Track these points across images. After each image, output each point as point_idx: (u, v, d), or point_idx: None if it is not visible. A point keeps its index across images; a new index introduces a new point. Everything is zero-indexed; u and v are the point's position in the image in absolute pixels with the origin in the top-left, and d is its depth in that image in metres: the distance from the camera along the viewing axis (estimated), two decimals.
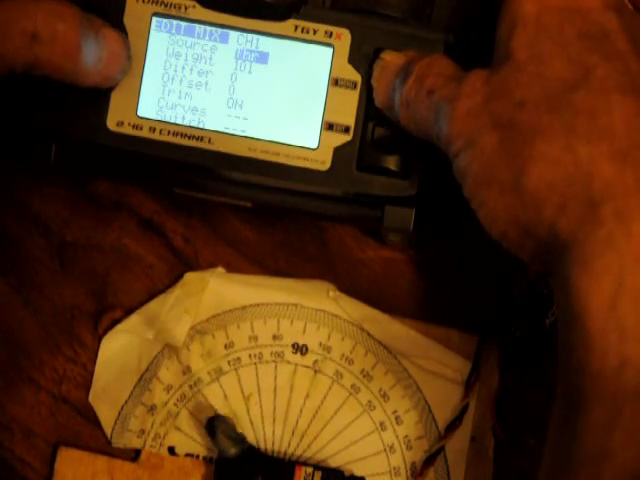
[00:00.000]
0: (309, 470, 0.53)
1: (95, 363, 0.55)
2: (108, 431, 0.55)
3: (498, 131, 0.43)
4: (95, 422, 0.55)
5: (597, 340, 0.39)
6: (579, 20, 0.43)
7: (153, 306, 0.55)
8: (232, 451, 0.53)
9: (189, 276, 0.56)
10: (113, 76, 0.49)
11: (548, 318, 0.52)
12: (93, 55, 0.47)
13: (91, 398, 0.55)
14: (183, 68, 0.50)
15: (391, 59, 0.48)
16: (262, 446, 0.54)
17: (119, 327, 0.55)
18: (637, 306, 0.39)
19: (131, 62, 0.50)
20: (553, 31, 0.43)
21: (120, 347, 0.55)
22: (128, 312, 0.55)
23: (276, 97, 0.50)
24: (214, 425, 0.53)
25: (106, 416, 0.55)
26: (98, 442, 0.55)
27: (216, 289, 0.56)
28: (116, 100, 0.50)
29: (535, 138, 0.42)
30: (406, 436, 0.54)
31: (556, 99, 0.42)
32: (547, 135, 0.41)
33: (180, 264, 0.56)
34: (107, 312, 0.55)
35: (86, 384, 0.55)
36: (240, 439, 0.53)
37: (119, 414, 0.55)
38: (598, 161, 0.40)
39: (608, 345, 0.39)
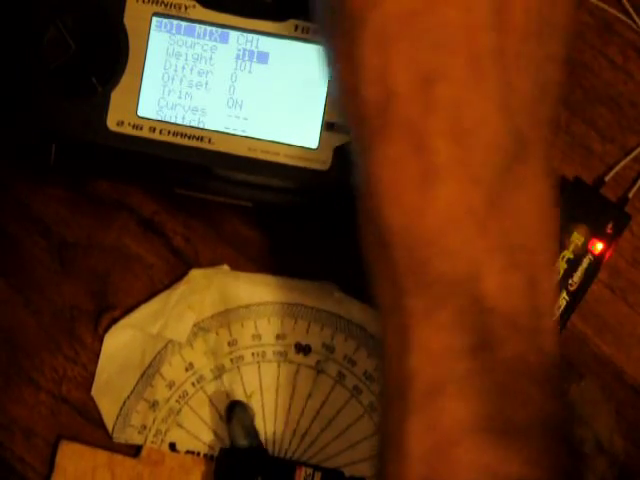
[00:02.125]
0: (309, 470, 0.53)
1: (95, 363, 0.55)
2: (110, 426, 0.55)
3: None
4: (95, 422, 0.55)
5: (379, 277, 0.41)
6: None
7: (157, 302, 0.55)
8: (242, 442, 0.52)
9: (194, 273, 0.56)
10: None
11: None
12: None
13: (93, 392, 0.55)
14: (183, 68, 0.50)
15: None
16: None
17: (123, 322, 0.55)
18: (402, 241, 0.40)
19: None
20: None
21: (123, 342, 0.55)
22: (128, 312, 0.55)
23: (276, 97, 0.50)
24: (234, 410, 0.53)
25: (108, 411, 0.55)
26: (98, 442, 0.55)
27: (220, 287, 0.56)
28: (116, 100, 0.50)
29: (334, 59, 0.42)
30: None
31: (354, 28, 0.40)
32: (341, 65, 0.41)
33: (180, 264, 0.56)
34: (107, 312, 0.55)
35: (86, 384, 0.55)
36: (253, 433, 0.53)
37: (121, 409, 0.55)
38: (376, 101, 0.40)
39: (388, 280, 0.41)
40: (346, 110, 0.41)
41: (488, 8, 0.40)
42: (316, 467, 0.53)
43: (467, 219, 0.40)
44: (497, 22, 0.40)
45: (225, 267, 0.56)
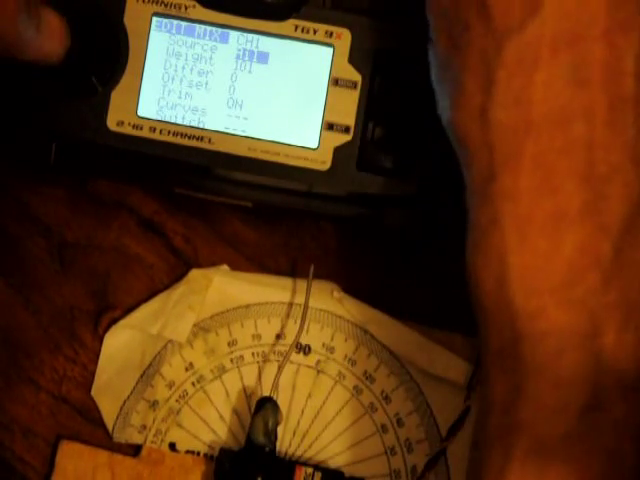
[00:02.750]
0: (309, 470, 0.53)
1: (95, 363, 0.55)
2: (109, 426, 0.55)
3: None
4: (95, 422, 0.55)
5: (491, 318, 0.39)
6: None
7: (157, 302, 0.55)
8: (259, 438, 0.52)
9: (194, 273, 0.56)
10: (53, 52, 0.47)
11: None
12: (31, 26, 0.45)
13: (93, 392, 0.55)
14: (183, 68, 0.50)
15: None
16: None
17: (123, 322, 0.55)
18: (523, 283, 0.38)
19: (73, 44, 0.49)
20: None
21: (123, 342, 0.55)
22: (128, 312, 0.55)
23: (276, 97, 0.50)
24: (264, 405, 0.52)
25: (108, 411, 0.55)
26: (98, 442, 0.55)
27: (220, 287, 0.55)
28: (116, 100, 0.50)
29: (459, 87, 0.40)
30: (407, 439, 0.54)
31: (490, 43, 0.39)
32: (468, 86, 0.40)
33: (180, 264, 0.56)
34: (107, 312, 0.55)
35: (86, 384, 0.55)
36: (273, 436, 0.52)
37: (121, 409, 0.55)
38: (502, 129, 0.39)
39: (502, 323, 0.39)
40: (461, 126, 0.40)
41: (634, 55, 0.39)
42: (316, 467, 0.53)
43: (593, 269, 0.38)
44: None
45: (225, 267, 0.56)
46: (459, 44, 0.41)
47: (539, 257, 0.38)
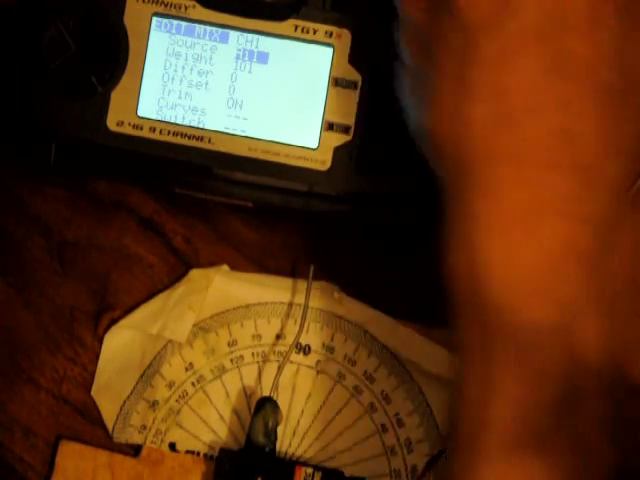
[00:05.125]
0: (309, 471, 0.53)
1: (95, 363, 0.55)
2: (109, 426, 0.55)
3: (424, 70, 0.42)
4: (95, 422, 0.55)
5: (464, 313, 0.39)
6: None
7: (157, 302, 0.55)
8: (259, 438, 0.52)
9: (194, 273, 0.56)
10: None
11: None
12: None
13: (93, 393, 0.55)
14: (183, 68, 0.50)
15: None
16: None
17: (122, 323, 0.55)
18: (496, 277, 0.37)
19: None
20: None
21: (123, 342, 0.55)
22: (128, 312, 0.55)
23: (276, 97, 0.50)
24: (264, 405, 0.53)
25: (108, 411, 0.55)
26: (98, 442, 0.55)
27: (220, 287, 0.55)
28: (116, 100, 0.50)
29: (434, 90, 0.40)
30: (407, 439, 0.54)
31: (464, 43, 0.39)
32: (442, 87, 0.39)
33: (180, 264, 0.56)
34: (107, 312, 0.55)
35: (86, 384, 0.55)
36: (273, 436, 0.52)
37: (121, 409, 0.55)
38: (477, 125, 0.38)
39: (473, 318, 0.38)
40: (438, 132, 0.39)
41: (614, 48, 0.38)
42: (316, 467, 0.53)
43: (573, 262, 0.37)
44: (619, 64, 0.38)
45: (225, 267, 0.56)
46: (431, 52, 0.40)
47: (514, 250, 0.37)
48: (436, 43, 0.40)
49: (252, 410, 0.53)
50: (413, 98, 0.42)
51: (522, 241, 0.37)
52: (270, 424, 0.52)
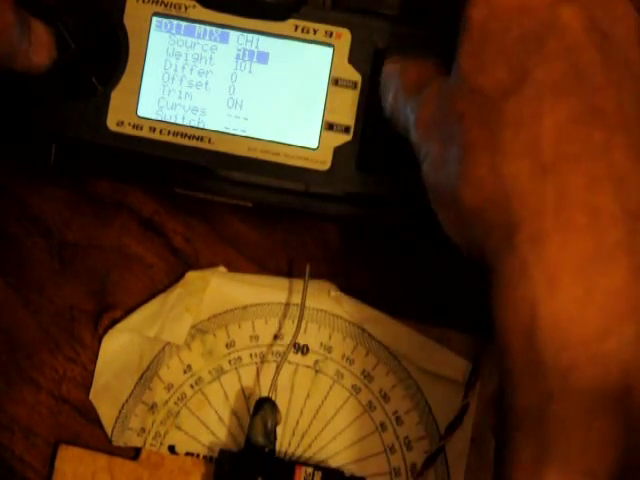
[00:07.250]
0: (309, 470, 0.53)
1: (95, 363, 0.55)
2: (108, 429, 0.55)
3: (442, 145, 0.41)
4: (95, 422, 0.55)
5: (519, 377, 0.37)
6: (525, 20, 0.40)
7: (154, 305, 0.55)
8: (259, 439, 0.52)
9: (190, 275, 0.56)
10: (41, 63, 0.48)
11: None
12: (23, 38, 0.46)
13: (92, 396, 0.55)
14: (183, 68, 0.50)
15: (389, 70, 0.47)
16: None
17: (120, 326, 0.55)
18: (553, 336, 0.36)
19: (57, 54, 0.49)
20: (497, 37, 0.40)
21: (121, 345, 0.55)
22: (128, 312, 0.55)
23: (276, 97, 0.50)
24: (263, 406, 0.53)
25: (107, 414, 0.55)
26: (98, 442, 0.55)
27: (217, 288, 0.56)
28: (116, 100, 0.50)
29: (465, 155, 0.39)
30: (406, 437, 0.54)
31: (488, 111, 0.39)
32: (475, 152, 0.39)
33: (180, 264, 0.56)
34: (107, 312, 0.55)
35: (86, 384, 0.55)
36: (272, 436, 0.53)
37: (120, 412, 0.55)
38: (518, 180, 0.37)
39: (530, 381, 0.37)
40: (475, 196, 0.38)
41: (636, 99, 0.38)
42: (316, 467, 0.53)
43: (627, 317, 0.36)
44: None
45: (221, 268, 0.56)
46: (446, 128, 0.40)
47: (571, 305, 0.36)
48: (454, 118, 0.40)
49: (251, 411, 0.53)
50: (436, 175, 0.42)
51: (578, 294, 0.36)
52: (269, 424, 0.52)
